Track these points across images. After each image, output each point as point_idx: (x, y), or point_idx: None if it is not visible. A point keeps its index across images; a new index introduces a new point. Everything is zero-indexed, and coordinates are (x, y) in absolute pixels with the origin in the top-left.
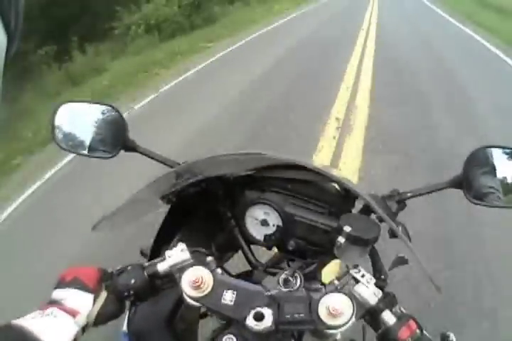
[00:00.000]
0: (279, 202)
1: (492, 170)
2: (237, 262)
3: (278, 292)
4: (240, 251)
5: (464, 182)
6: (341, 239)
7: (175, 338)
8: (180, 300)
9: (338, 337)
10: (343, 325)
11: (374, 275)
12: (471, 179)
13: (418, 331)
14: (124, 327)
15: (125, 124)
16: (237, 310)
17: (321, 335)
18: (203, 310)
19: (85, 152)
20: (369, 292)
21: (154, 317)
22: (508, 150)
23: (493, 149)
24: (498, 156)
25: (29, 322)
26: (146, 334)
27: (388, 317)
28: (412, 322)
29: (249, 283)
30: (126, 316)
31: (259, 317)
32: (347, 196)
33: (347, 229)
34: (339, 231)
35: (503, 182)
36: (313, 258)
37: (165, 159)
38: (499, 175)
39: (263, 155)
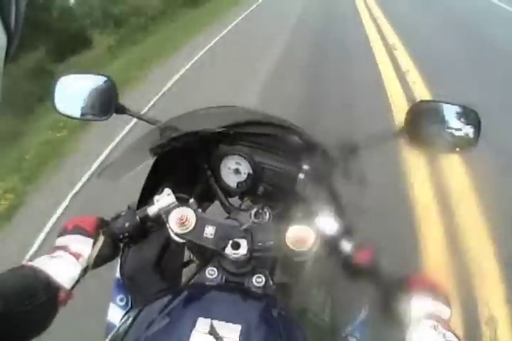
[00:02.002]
0: (249, 153)
1: (441, 121)
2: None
3: (250, 224)
4: (216, 202)
5: (407, 132)
6: (301, 176)
7: (161, 279)
8: (165, 246)
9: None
10: (307, 251)
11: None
12: (417, 128)
13: (373, 256)
14: (117, 273)
15: (116, 91)
16: (217, 242)
17: (291, 269)
18: (185, 259)
19: (79, 116)
20: (328, 223)
21: (143, 262)
22: (456, 107)
23: (443, 105)
24: (447, 111)
25: (40, 262)
26: (136, 277)
27: (346, 246)
28: (366, 248)
29: (227, 219)
30: (119, 262)
31: (235, 247)
32: (309, 147)
33: (305, 167)
34: (299, 169)
35: (452, 133)
36: (281, 201)
37: (150, 119)
38: (449, 126)
39: (236, 109)
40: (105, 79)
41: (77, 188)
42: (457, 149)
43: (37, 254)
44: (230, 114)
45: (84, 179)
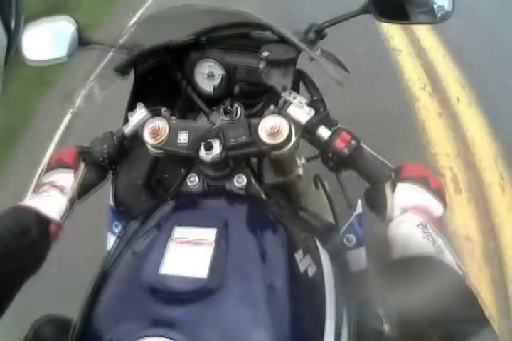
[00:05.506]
0: (219, 55)
1: None
2: None
3: (222, 123)
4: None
5: (372, 6)
6: (262, 64)
7: (152, 197)
8: (153, 164)
9: (300, 172)
10: (284, 143)
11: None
12: (380, 3)
13: (354, 142)
14: (110, 201)
15: (79, 27)
16: (190, 147)
17: (281, 167)
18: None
19: (51, 58)
20: (302, 111)
21: (133, 183)
22: None
23: None
24: None
25: (30, 202)
26: (128, 199)
27: (324, 133)
28: (345, 134)
29: (199, 122)
30: (111, 190)
31: (208, 148)
32: (281, 41)
33: (265, 54)
34: (261, 58)
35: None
36: (260, 99)
37: (117, 44)
38: None
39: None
40: (67, 17)
41: None
42: (430, 21)
43: None
44: (195, 19)
45: None
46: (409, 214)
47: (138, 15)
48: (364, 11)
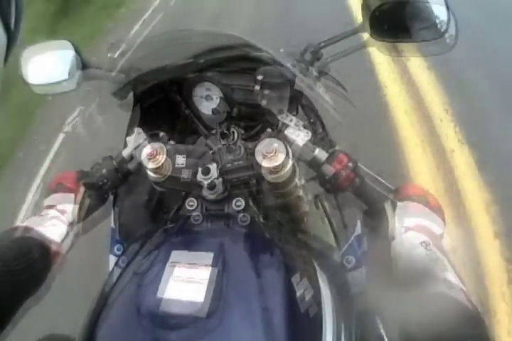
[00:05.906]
0: (216, 78)
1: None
2: None
3: (218, 147)
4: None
5: (368, 26)
6: (257, 87)
7: (153, 219)
8: (153, 187)
9: (301, 193)
10: (281, 167)
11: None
12: (377, 22)
13: (351, 164)
14: (112, 223)
15: (78, 50)
16: (187, 171)
17: (281, 190)
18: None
19: (53, 82)
20: (298, 134)
21: (134, 205)
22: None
23: None
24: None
25: (30, 223)
26: (129, 221)
27: (321, 155)
28: (342, 156)
29: (197, 146)
30: (112, 214)
31: (205, 172)
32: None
33: (259, 77)
34: (256, 81)
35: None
36: (258, 121)
37: (117, 68)
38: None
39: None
40: (66, 42)
41: None
42: (429, 52)
43: None
44: (192, 42)
45: None
46: (411, 232)
47: None
48: (360, 29)
